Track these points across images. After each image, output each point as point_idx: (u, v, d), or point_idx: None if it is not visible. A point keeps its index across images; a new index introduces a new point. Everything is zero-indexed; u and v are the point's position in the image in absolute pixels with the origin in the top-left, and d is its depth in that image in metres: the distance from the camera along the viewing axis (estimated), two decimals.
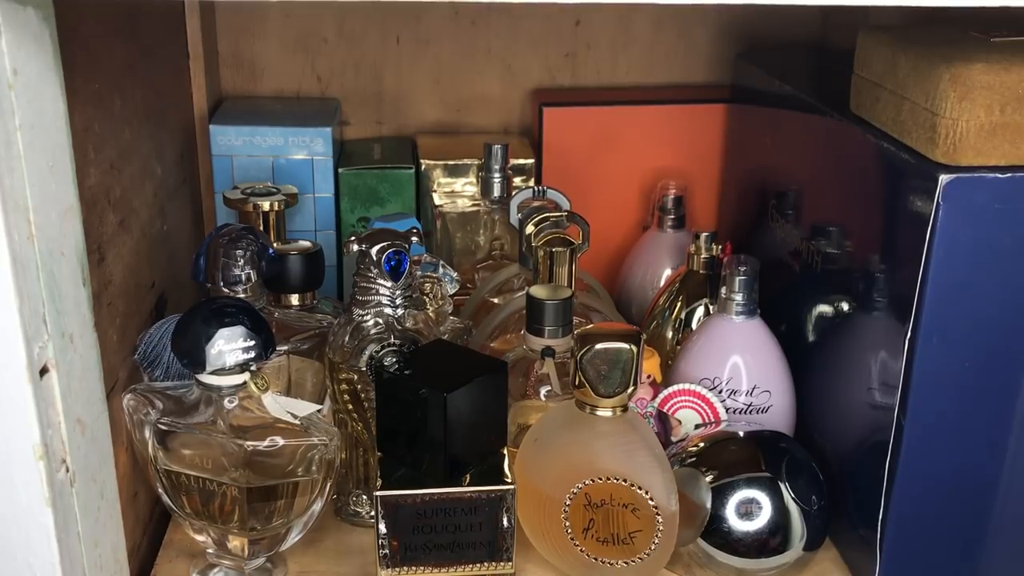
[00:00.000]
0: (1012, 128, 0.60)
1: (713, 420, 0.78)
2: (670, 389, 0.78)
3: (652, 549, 0.67)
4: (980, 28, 0.67)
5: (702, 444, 0.73)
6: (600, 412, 0.68)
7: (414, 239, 0.73)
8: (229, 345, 0.63)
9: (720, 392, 0.79)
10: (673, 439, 0.78)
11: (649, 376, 0.79)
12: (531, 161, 0.99)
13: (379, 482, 0.68)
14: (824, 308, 0.77)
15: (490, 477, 0.68)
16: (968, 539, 0.69)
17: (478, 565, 0.69)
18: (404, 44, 1.03)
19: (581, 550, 0.68)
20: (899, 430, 0.65)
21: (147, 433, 0.66)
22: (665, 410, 0.78)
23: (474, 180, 0.98)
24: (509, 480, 0.68)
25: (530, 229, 0.81)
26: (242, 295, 0.75)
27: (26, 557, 0.54)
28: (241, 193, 0.87)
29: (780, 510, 0.69)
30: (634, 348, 0.66)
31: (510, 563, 0.69)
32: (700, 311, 0.88)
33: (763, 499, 0.69)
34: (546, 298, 0.74)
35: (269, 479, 0.66)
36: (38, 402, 0.52)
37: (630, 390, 0.67)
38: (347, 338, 0.72)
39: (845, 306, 0.74)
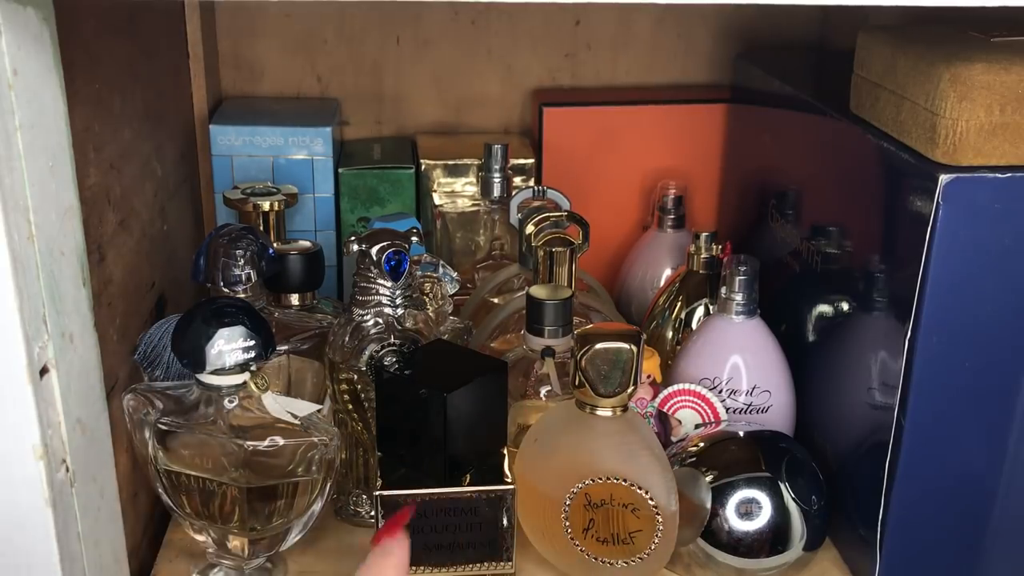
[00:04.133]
0: (1012, 128, 0.60)
1: (713, 420, 0.78)
2: (670, 389, 0.78)
3: (652, 549, 0.67)
4: (980, 28, 0.67)
5: (702, 444, 0.73)
6: (600, 412, 0.68)
7: (414, 239, 0.73)
8: (229, 345, 0.63)
9: (720, 392, 0.79)
10: (673, 439, 0.78)
11: (649, 376, 0.79)
12: (531, 161, 0.99)
13: (379, 482, 0.68)
14: (824, 308, 0.77)
15: (490, 477, 0.68)
16: (968, 539, 0.69)
17: (478, 565, 0.69)
18: (404, 44, 1.03)
19: (581, 550, 0.68)
20: (899, 430, 0.65)
21: (147, 433, 0.66)
22: (665, 410, 0.78)
23: (474, 180, 0.98)
24: (509, 480, 0.68)
25: (530, 229, 0.81)
26: (242, 295, 0.75)
27: (26, 557, 0.54)
28: (241, 193, 0.87)
29: (780, 510, 0.69)
30: (634, 348, 0.66)
31: (510, 563, 0.69)
32: (700, 311, 0.88)
33: (763, 499, 0.69)
34: (546, 298, 0.74)
35: (269, 479, 0.66)
36: (38, 402, 0.52)
37: (630, 390, 0.67)
38: (347, 338, 0.72)
39: (845, 306, 0.74)
